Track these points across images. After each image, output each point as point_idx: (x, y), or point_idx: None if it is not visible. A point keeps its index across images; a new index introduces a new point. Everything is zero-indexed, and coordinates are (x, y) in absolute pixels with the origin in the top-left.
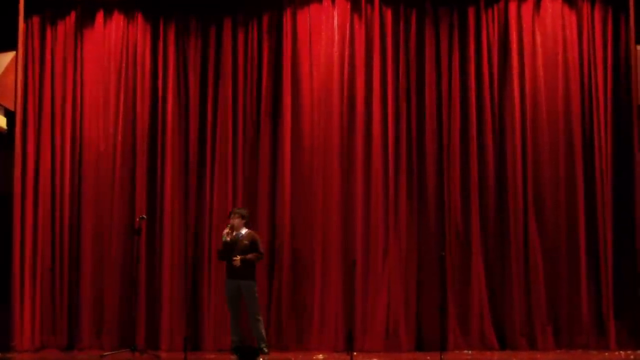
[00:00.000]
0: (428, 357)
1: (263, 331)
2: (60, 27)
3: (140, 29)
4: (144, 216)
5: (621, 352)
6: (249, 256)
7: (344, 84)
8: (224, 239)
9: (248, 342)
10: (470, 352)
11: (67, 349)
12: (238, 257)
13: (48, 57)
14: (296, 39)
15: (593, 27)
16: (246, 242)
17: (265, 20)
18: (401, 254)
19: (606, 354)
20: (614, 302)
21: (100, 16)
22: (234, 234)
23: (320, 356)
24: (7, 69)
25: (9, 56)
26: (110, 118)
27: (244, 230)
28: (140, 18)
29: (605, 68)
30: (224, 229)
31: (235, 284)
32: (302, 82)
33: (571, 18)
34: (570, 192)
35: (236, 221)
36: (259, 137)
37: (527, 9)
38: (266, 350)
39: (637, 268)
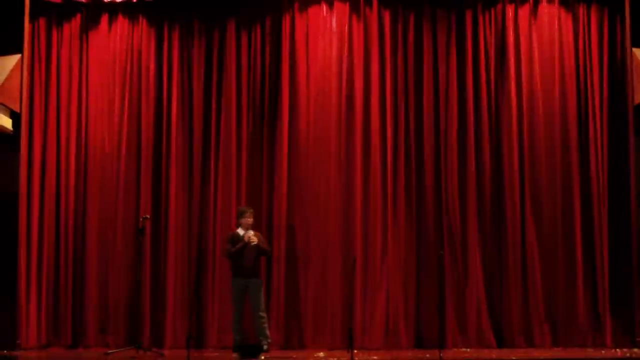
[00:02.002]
0: (427, 355)
1: (267, 329)
2: (66, 29)
3: (144, 32)
4: (148, 216)
5: (617, 349)
6: (265, 245)
7: (342, 84)
8: (250, 241)
9: (250, 340)
10: (468, 349)
11: (72, 347)
12: (255, 239)
13: (54, 58)
14: (298, 40)
15: (589, 30)
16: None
17: (268, 22)
18: (400, 253)
19: (602, 351)
20: (610, 300)
21: (105, 19)
22: (243, 233)
23: (321, 354)
24: (13, 71)
25: (14, 59)
26: (115, 119)
27: (250, 231)
28: (144, 21)
29: (601, 70)
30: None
31: (243, 282)
32: (303, 83)
33: (567, 21)
34: (566, 192)
35: (251, 220)
36: (263, 137)
37: (524, 12)
38: (266, 348)
39: (633, 266)
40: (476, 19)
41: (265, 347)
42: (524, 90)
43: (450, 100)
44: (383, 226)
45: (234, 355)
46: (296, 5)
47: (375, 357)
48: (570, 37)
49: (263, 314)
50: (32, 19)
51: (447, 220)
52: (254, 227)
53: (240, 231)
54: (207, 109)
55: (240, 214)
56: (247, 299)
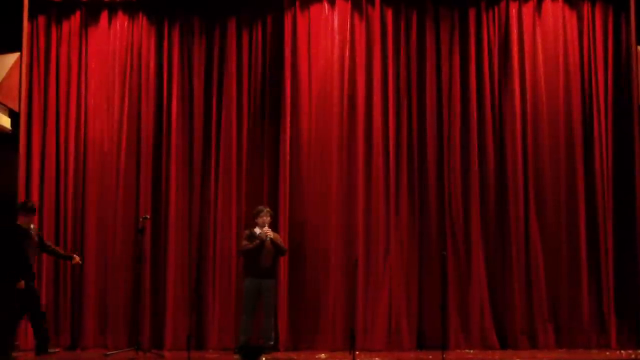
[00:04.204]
0: (430, 357)
1: (272, 331)
2: (65, 26)
3: (144, 30)
4: (147, 216)
5: (622, 351)
6: (280, 241)
7: (344, 83)
8: (263, 237)
9: (253, 341)
10: (472, 351)
11: (70, 348)
12: (270, 232)
13: (53, 56)
14: (299, 39)
15: (594, 28)
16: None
17: (269, 20)
18: (402, 253)
19: (607, 353)
20: (615, 300)
21: (104, 16)
22: (260, 232)
23: (323, 355)
24: (11, 69)
25: (13, 57)
26: (115, 118)
27: (268, 229)
28: (144, 19)
29: (605, 68)
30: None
31: (256, 283)
32: (305, 82)
33: (572, 18)
34: (571, 191)
35: (268, 219)
36: (263, 136)
37: (528, 10)
38: (267, 349)
39: (638, 265)
40: (479, 17)
41: (267, 348)
42: (528, 89)
43: (453, 99)
44: (385, 226)
45: (236, 356)
46: (297, 4)
47: (377, 359)
48: (574, 35)
49: (272, 316)
50: (31, 16)
51: (450, 219)
52: (271, 227)
53: (257, 230)
54: (208, 107)
55: (257, 214)
56: (261, 299)
